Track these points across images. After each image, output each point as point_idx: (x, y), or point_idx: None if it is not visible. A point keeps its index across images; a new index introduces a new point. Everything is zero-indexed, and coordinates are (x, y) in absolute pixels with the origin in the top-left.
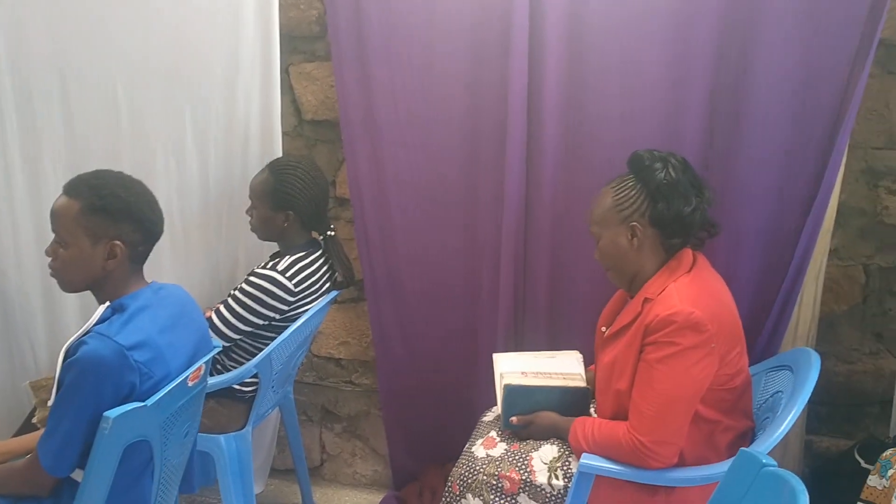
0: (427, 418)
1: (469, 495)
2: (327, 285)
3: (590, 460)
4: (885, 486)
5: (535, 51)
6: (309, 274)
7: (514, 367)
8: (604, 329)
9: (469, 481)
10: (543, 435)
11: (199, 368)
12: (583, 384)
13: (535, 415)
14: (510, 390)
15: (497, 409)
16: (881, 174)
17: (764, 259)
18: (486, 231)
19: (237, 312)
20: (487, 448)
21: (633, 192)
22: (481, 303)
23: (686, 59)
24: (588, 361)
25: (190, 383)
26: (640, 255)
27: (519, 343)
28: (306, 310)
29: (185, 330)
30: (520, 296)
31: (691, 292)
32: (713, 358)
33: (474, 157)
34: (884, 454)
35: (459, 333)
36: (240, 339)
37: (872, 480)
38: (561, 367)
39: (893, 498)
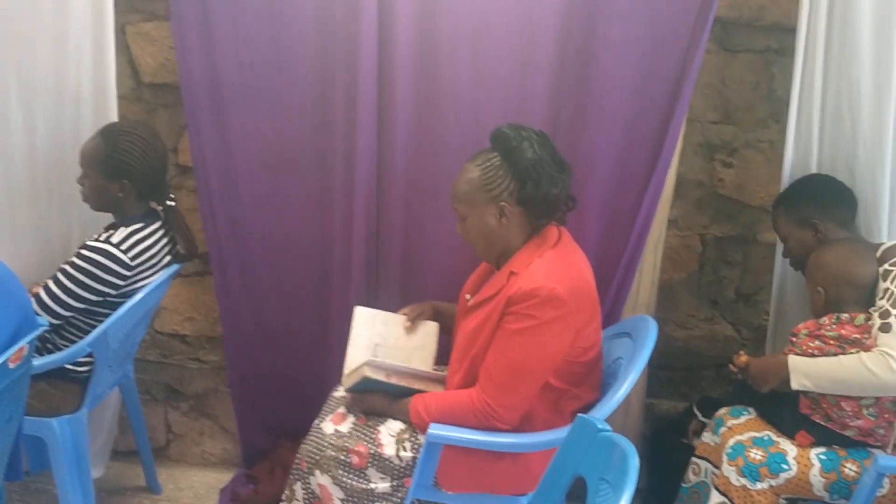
0: (278, 394)
1: (317, 472)
2: (168, 258)
3: (437, 430)
4: (716, 443)
5: (385, 10)
6: (147, 247)
7: (376, 355)
8: (468, 297)
9: (317, 458)
10: (372, 412)
11: (21, 349)
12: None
13: (366, 396)
14: (365, 382)
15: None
16: (717, 147)
17: (606, 229)
18: (339, 199)
19: (68, 288)
20: (336, 424)
21: (500, 172)
22: (334, 276)
23: (532, 27)
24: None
25: (11, 365)
26: (507, 233)
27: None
28: (145, 284)
29: (2, 308)
30: (373, 267)
31: (555, 268)
32: (569, 333)
33: (325, 122)
34: (717, 412)
35: (311, 307)
36: (72, 317)
37: (706, 437)
38: (423, 362)
39: (724, 454)
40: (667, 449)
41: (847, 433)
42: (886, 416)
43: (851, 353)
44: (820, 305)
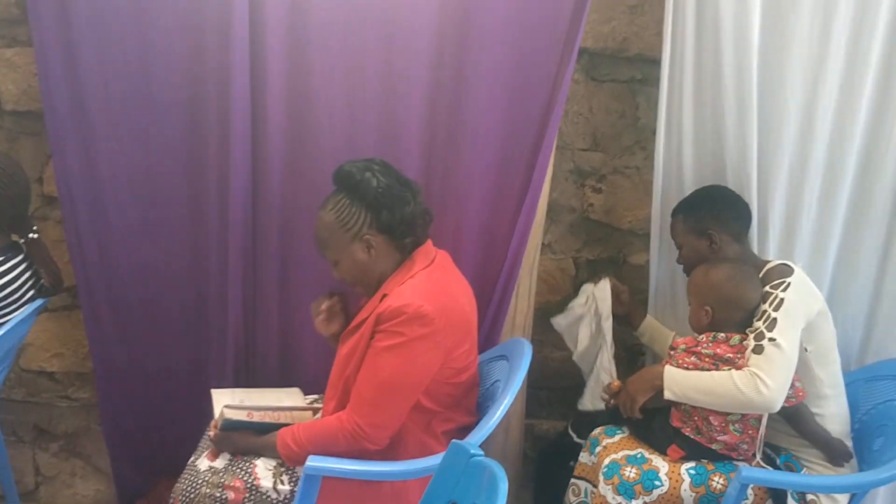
0: (153, 431)
1: None
2: (32, 293)
3: (316, 462)
4: (593, 462)
5: (257, 36)
6: (8, 281)
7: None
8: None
9: (191, 496)
10: (240, 452)
11: None
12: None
13: (231, 435)
14: (229, 423)
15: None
16: (587, 174)
17: (482, 254)
18: (213, 228)
19: None
20: (211, 460)
21: (353, 209)
22: (209, 307)
23: (405, 58)
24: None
25: None
26: (378, 263)
27: (250, 346)
28: (6, 321)
29: None
30: (249, 299)
31: (425, 287)
32: (438, 351)
33: (197, 149)
34: (592, 433)
35: (186, 339)
36: None
37: (584, 457)
38: (293, 398)
39: (600, 473)
40: (551, 469)
41: (714, 447)
42: (750, 432)
43: (724, 370)
44: (704, 324)
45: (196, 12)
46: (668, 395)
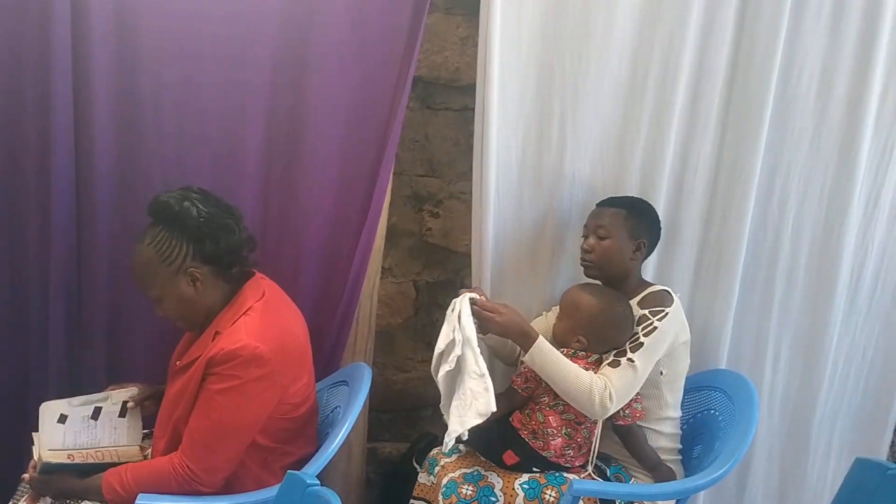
0: None
1: None
2: None
3: (145, 500)
4: (432, 482)
5: (81, 64)
6: None
7: (62, 441)
8: (178, 362)
9: None
10: (62, 496)
11: None
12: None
13: (51, 478)
14: (45, 466)
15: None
16: (424, 199)
17: (323, 280)
18: (33, 266)
19: None
20: None
21: (173, 241)
22: (30, 357)
23: (241, 83)
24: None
25: None
26: (205, 297)
27: (74, 372)
28: None
29: None
30: (74, 324)
31: (260, 325)
32: (275, 390)
33: (15, 185)
34: (430, 453)
35: (4, 386)
36: None
37: (422, 478)
38: (119, 437)
39: (440, 493)
40: (394, 492)
41: (545, 454)
42: (578, 439)
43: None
44: (573, 347)
45: (14, 35)
46: (526, 357)
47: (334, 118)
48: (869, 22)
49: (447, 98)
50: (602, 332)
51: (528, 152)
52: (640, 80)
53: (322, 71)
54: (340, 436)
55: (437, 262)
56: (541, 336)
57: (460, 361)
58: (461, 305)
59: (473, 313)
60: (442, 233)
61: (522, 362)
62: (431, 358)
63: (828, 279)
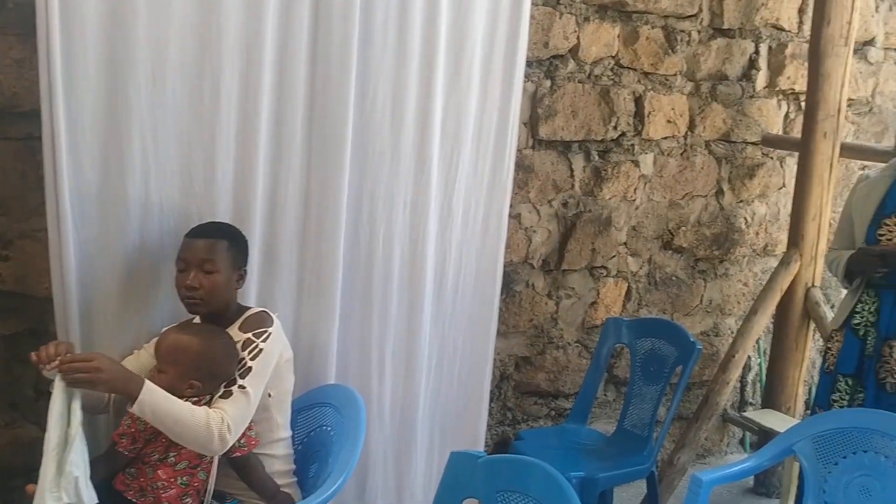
0: None
1: None
2: None
3: None
4: None
5: None
6: None
7: None
8: None
9: None
10: None
11: None
12: None
13: None
14: None
15: None
16: None
17: None
18: None
19: None
20: None
21: None
22: None
23: None
24: None
25: None
26: None
27: None
28: None
29: None
30: None
31: None
32: None
33: None
34: None
35: None
36: None
37: None
38: None
39: None
40: None
41: None
42: (196, 484)
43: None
44: (185, 395)
45: None
46: (135, 408)
47: None
48: (427, 45)
49: (8, 126)
50: (213, 370)
51: (109, 183)
52: (225, 102)
53: None
54: None
55: (13, 311)
56: (146, 380)
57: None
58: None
59: (72, 382)
60: (16, 277)
61: (128, 415)
62: (17, 419)
63: (418, 285)
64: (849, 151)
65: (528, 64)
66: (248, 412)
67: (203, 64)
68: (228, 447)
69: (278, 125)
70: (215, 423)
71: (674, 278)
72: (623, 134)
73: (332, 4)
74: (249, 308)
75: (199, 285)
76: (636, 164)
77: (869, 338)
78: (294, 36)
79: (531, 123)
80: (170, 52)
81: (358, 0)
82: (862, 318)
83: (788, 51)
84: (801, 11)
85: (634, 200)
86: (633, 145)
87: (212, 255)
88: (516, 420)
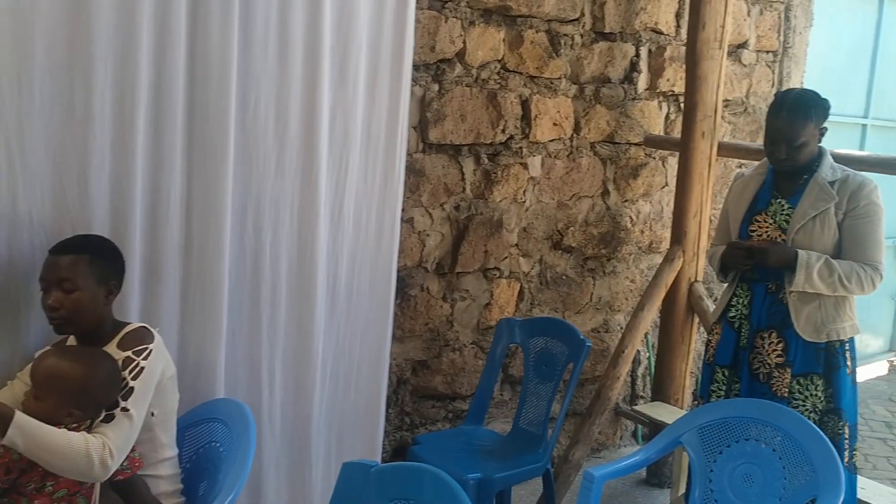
0: None
1: None
2: None
3: None
4: None
5: None
6: None
7: None
8: None
9: None
10: None
11: None
12: None
13: None
14: None
15: None
16: None
17: None
18: None
19: None
20: None
21: None
22: None
23: None
24: None
25: None
26: None
27: None
28: None
29: None
30: None
31: None
32: None
33: None
34: None
35: None
36: None
37: None
38: None
39: None
40: None
41: None
42: None
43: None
44: (65, 423)
45: None
46: (7, 441)
47: None
48: (311, 49)
49: None
50: (95, 397)
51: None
52: (98, 106)
53: None
54: None
55: None
56: (17, 411)
57: None
58: None
59: None
60: None
61: (1, 445)
62: None
63: (308, 294)
64: (726, 150)
65: (416, 68)
66: (131, 435)
67: (73, 66)
68: (112, 472)
69: (157, 132)
70: (95, 449)
71: (564, 277)
72: (511, 137)
73: (209, 3)
74: (128, 324)
75: (59, 305)
76: (525, 166)
77: (743, 330)
78: (171, 35)
79: (420, 128)
80: (36, 53)
81: (237, 1)
82: (737, 311)
83: (667, 54)
84: (678, 15)
85: (524, 202)
86: (521, 148)
87: (71, 273)
88: (414, 424)
